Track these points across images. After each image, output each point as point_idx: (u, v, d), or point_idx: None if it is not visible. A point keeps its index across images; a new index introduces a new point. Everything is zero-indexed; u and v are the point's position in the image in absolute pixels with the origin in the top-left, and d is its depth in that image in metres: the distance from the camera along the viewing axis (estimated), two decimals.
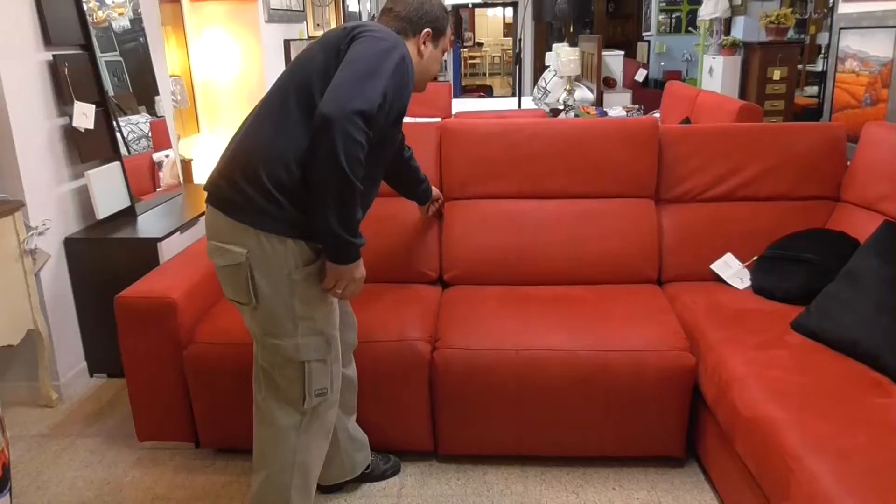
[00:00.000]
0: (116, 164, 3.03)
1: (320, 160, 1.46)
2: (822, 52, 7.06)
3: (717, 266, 2.59)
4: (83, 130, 2.83)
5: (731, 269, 2.58)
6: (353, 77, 1.49)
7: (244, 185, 1.58)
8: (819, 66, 7.14)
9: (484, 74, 16.75)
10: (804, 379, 1.84)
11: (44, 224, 2.68)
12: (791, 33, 6.32)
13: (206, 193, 1.70)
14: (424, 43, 1.79)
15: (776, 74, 6.08)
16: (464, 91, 13.07)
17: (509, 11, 15.46)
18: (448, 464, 2.28)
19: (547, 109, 6.12)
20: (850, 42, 4.77)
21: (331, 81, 1.51)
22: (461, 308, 2.36)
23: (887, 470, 1.46)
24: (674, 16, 9.56)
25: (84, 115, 2.81)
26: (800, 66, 6.72)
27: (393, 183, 2.29)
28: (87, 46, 2.93)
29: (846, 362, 1.93)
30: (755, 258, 2.56)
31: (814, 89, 7.28)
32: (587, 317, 2.27)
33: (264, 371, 1.77)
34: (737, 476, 1.90)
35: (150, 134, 3.40)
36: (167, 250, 2.79)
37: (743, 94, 6.34)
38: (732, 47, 6.41)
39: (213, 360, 2.18)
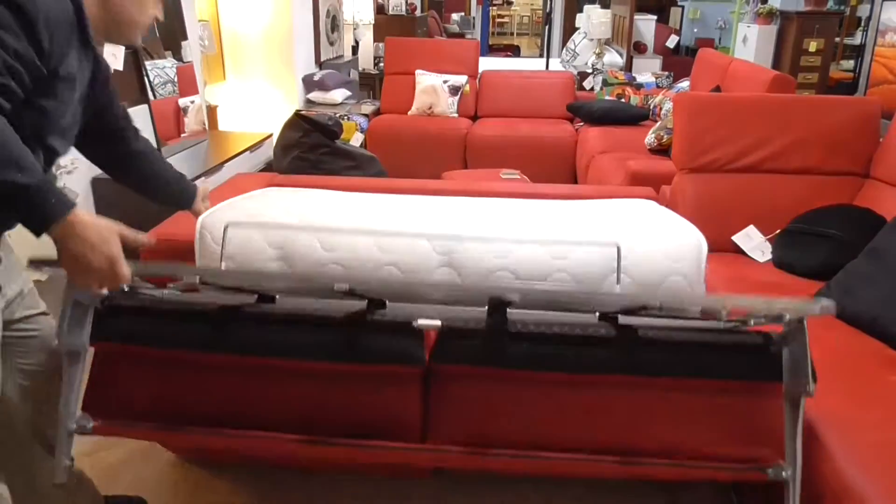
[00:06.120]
0: (144, 107, 3.05)
1: None
2: (862, 24, 6.87)
3: (738, 238, 2.58)
4: (112, 71, 2.84)
5: (753, 242, 2.56)
6: None
7: None
8: (857, 40, 6.96)
9: (512, 34, 16.48)
10: (819, 354, 1.83)
11: (72, 163, 2.72)
12: (831, 3, 6.14)
13: None
14: None
15: (812, 46, 5.93)
16: (491, 50, 12.88)
17: None
18: None
19: (574, 72, 6.03)
20: (893, 14, 4.64)
21: None
22: None
23: None
24: None
25: (113, 56, 2.82)
26: (837, 39, 6.55)
27: (128, 181, 1.73)
28: None
29: (863, 339, 1.93)
30: (778, 231, 2.54)
31: (850, 63, 7.11)
32: None
33: None
34: None
35: (175, 79, 3.41)
36: None
37: (776, 65, 6.20)
38: (769, 16, 6.25)
39: None
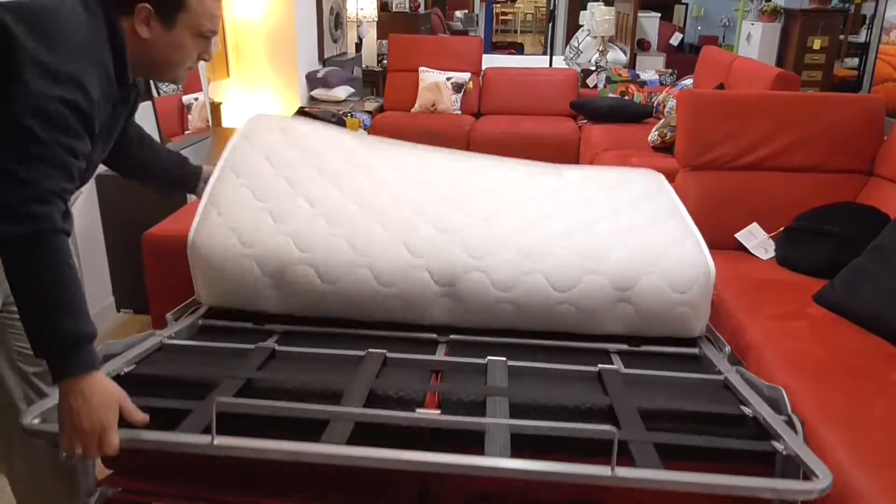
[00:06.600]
0: (147, 103, 3.05)
1: None
2: (867, 22, 6.85)
3: (741, 235, 2.58)
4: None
5: (756, 239, 2.56)
6: None
7: None
8: (862, 37, 6.94)
9: (516, 31, 16.47)
10: (822, 350, 1.85)
11: None
12: (835, 1, 6.13)
13: None
14: (146, 23, 1.30)
15: (816, 44, 5.92)
16: (494, 47, 12.87)
17: None
18: None
19: (578, 69, 6.03)
20: None
21: None
22: None
23: None
24: None
25: None
26: (841, 37, 6.53)
27: (123, 172, 1.76)
28: None
29: (866, 336, 1.93)
30: (781, 229, 2.54)
31: (854, 61, 7.09)
32: None
33: None
34: None
35: None
36: None
37: (780, 63, 6.19)
38: (773, 13, 6.24)
39: None
